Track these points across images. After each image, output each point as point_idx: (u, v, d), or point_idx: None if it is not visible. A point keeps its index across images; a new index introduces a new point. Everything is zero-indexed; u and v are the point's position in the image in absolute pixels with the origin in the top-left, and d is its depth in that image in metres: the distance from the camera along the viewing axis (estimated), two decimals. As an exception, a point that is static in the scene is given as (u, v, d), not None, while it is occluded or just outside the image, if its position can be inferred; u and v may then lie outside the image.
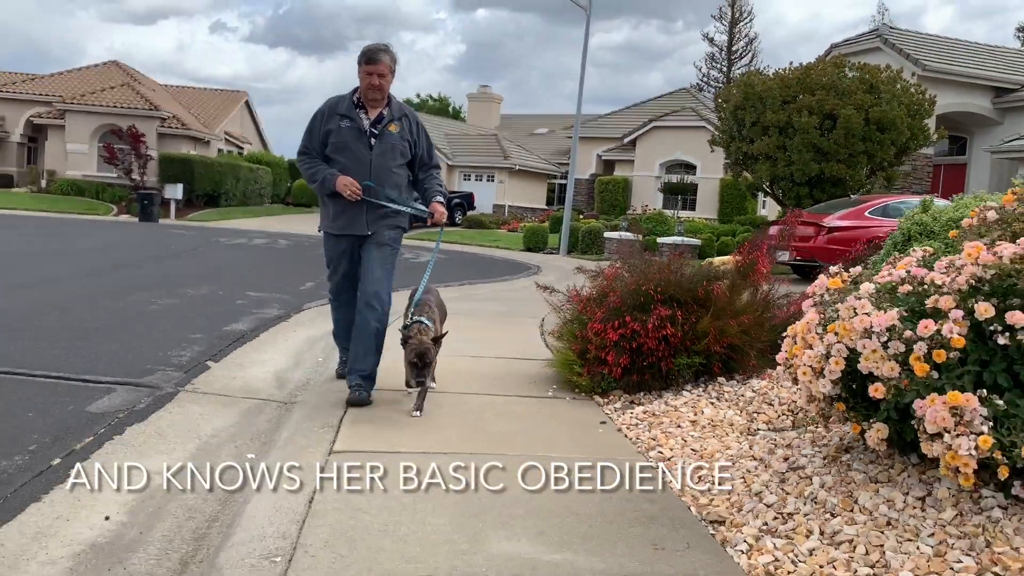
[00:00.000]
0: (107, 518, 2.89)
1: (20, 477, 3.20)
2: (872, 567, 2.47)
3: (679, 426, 4.12)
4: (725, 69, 54.35)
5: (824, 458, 3.22)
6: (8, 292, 8.19)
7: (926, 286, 2.78)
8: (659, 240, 20.59)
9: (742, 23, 54.87)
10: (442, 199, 4.69)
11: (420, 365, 4.20)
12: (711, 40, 55.62)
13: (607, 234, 23.86)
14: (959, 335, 2.56)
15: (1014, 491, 2.63)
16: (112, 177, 33.95)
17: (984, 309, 2.58)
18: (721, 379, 4.89)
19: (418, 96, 62.94)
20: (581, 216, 32.80)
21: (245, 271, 12.43)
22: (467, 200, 34.84)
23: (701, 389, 4.77)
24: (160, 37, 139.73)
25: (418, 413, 4.22)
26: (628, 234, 20.87)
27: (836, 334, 2.85)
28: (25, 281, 9.13)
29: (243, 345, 6.25)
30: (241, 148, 43.49)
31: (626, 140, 36.51)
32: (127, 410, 4.23)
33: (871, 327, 2.71)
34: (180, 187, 32.39)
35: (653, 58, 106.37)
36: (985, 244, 2.82)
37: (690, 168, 33.98)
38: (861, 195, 16.48)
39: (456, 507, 2.96)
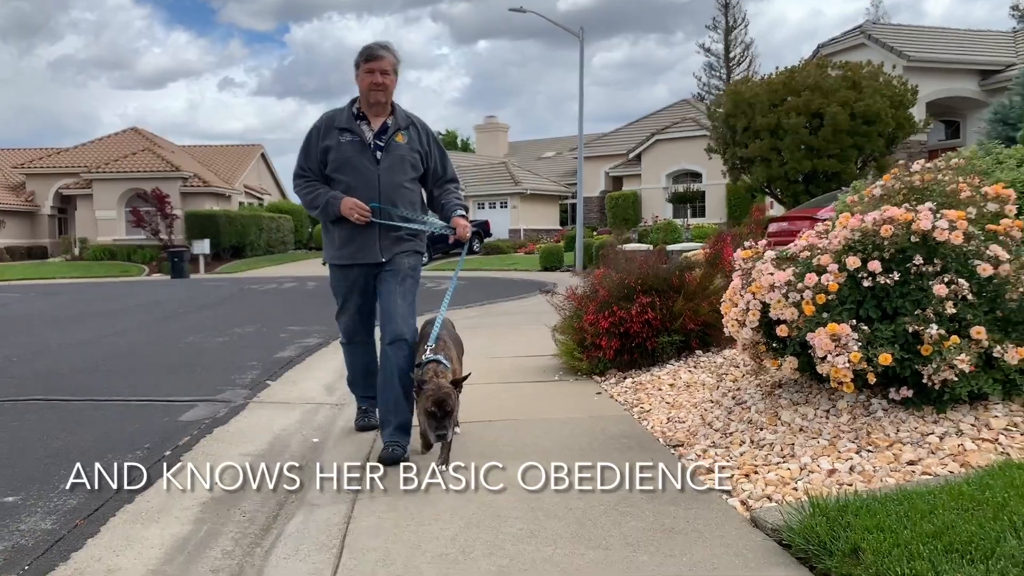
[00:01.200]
0: (212, 486, 3.83)
1: (147, 461, 4.16)
2: (783, 458, 3.37)
3: (659, 389, 5.03)
4: (724, 77, 55.19)
5: (762, 393, 4.12)
6: (86, 344, 9.27)
7: (817, 249, 3.69)
8: (669, 248, 21.48)
9: (737, 30, 55.75)
10: (463, 212, 4.16)
11: (439, 415, 3.46)
12: (708, 50, 56.57)
13: (619, 247, 24.80)
14: (834, 282, 3.46)
15: (891, 396, 3.52)
16: (141, 239, 35.42)
17: (852, 261, 3.49)
18: (699, 352, 5.78)
19: (426, 133, 64.46)
20: (595, 232, 33.78)
21: (282, 311, 13.47)
22: (483, 228, 35.90)
23: (682, 361, 5.67)
24: (171, 99, 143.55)
25: (444, 467, 3.51)
26: (640, 246, 21.82)
27: (752, 293, 3.76)
28: (97, 335, 10.22)
29: (293, 367, 7.22)
30: (261, 199, 44.98)
31: (631, 155, 37.52)
32: (211, 418, 5.20)
33: (774, 283, 3.62)
34: (207, 242, 33.81)
35: (656, 72, 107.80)
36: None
37: (696, 176, 34.85)
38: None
39: (472, 441, 3.87)
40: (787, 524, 2.59)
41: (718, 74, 55.83)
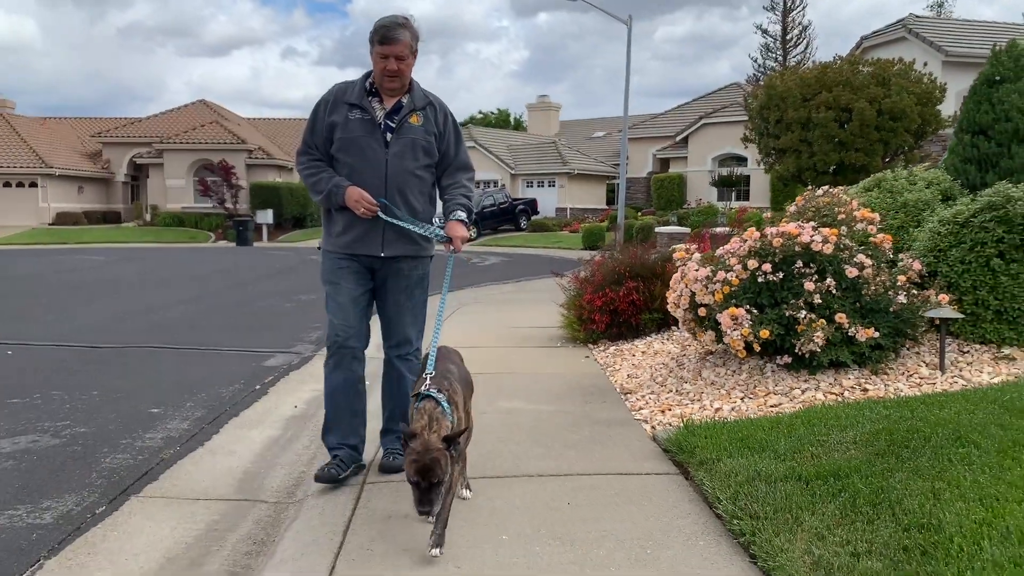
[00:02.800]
0: (295, 407, 5.37)
1: (241, 394, 5.72)
2: (692, 401, 4.76)
3: (633, 355, 6.42)
4: (780, 59, 55.14)
5: (697, 358, 5.50)
6: (180, 304, 11.01)
7: (730, 253, 5.04)
8: (715, 230, 22.63)
9: (795, 12, 55.57)
10: (464, 215, 3.60)
11: (424, 486, 2.70)
12: (765, 31, 56.46)
13: (658, 229, 25.96)
14: (736, 278, 4.82)
15: (779, 361, 4.87)
16: (208, 207, 37.62)
17: (752, 263, 4.83)
18: (674, 328, 7.13)
19: (480, 112, 65.71)
20: (640, 213, 34.91)
21: (339, 281, 15.13)
22: (531, 206, 37.28)
23: (658, 335, 7.04)
24: (235, 67, 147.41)
25: (437, 551, 2.81)
26: (678, 228, 23.01)
27: (685, 284, 5.14)
28: (186, 297, 11.99)
29: (349, 329, 8.78)
30: (321, 172, 46.90)
31: (679, 138, 38.36)
32: (287, 365, 6.76)
33: (697, 277, 4.99)
34: (270, 212, 35.86)
35: (718, 47, 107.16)
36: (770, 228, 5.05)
37: (741, 160, 35.58)
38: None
39: (480, 386, 5.32)
40: (668, 438, 4.00)
41: (775, 56, 55.91)
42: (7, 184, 38.07)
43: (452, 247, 3.54)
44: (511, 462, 3.87)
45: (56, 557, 3.04)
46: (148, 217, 39.81)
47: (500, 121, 61.81)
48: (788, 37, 55.31)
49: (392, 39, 3.46)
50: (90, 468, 4.07)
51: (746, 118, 27.95)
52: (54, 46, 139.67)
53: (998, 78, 6.51)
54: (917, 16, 26.62)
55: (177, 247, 30.10)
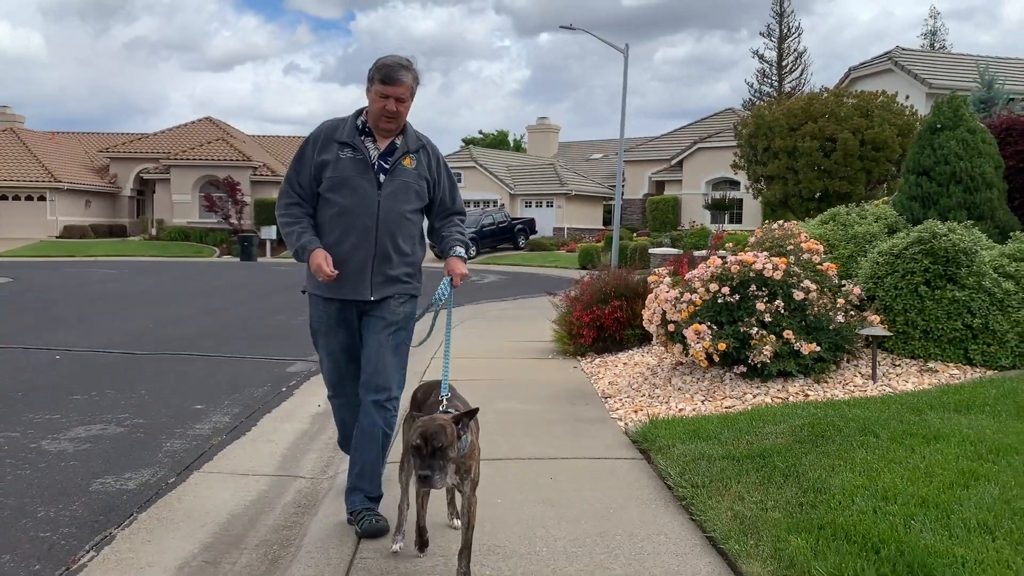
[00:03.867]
0: (319, 406, 6.18)
1: (270, 395, 6.53)
2: (661, 403, 5.58)
3: (615, 366, 7.24)
4: (776, 84, 56.34)
5: (669, 368, 6.33)
6: (201, 316, 11.84)
7: (695, 278, 5.88)
8: (695, 253, 23.52)
9: (790, 39, 56.72)
10: (463, 251, 3.59)
11: (426, 451, 2.75)
12: (761, 57, 57.62)
13: (652, 250, 26.86)
14: (699, 299, 5.65)
15: (736, 371, 5.70)
16: (213, 222, 38.49)
17: (714, 286, 5.67)
18: (654, 343, 7.96)
19: (481, 132, 66.78)
20: (635, 234, 35.80)
21: (345, 296, 15.97)
22: (529, 225, 38.19)
23: (639, 348, 7.86)
24: (237, 82, 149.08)
25: (422, 553, 3.12)
26: (671, 249, 23.90)
27: (658, 303, 5.97)
28: (206, 310, 12.82)
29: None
30: (323, 189, 47.85)
31: (674, 161, 39.33)
32: (307, 371, 7.56)
33: (667, 298, 5.83)
34: (274, 229, 36.60)
35: (718, 69, 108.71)
36: (728, 257, 5.90)
37: (734, 185, 36.45)
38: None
39: (480, 391, 6.14)
40: (636, 431, 4.82)
41: (770, 81, 57.08)
42: (16, 197, 38.94)
43: (453, 284, 3.49)
44: (506, 449, 4.68)
45: (145, 512, 3.85)
46: (154, 231, 40.65)
47: (498, 142, 62.80)
48: (784, 63, 56.43)
49: (395, 80, 3.39)
50: (155, 450, 4.88)
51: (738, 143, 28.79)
52: (59, 59, 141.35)
53: (939, 126, 7.39)
54: (903, 49, 27.66)
55: (183, 261, 30.92)
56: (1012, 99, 25.84)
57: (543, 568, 3.08)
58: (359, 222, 3.45)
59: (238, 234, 35.12)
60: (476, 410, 2.98)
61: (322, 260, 3.36)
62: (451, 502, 3.51)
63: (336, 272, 3.38)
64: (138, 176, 43.06)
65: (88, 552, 3.37)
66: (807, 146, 19.97)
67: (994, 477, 3.41)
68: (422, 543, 3.19)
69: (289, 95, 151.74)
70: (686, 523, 3.50)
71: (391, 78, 3.41)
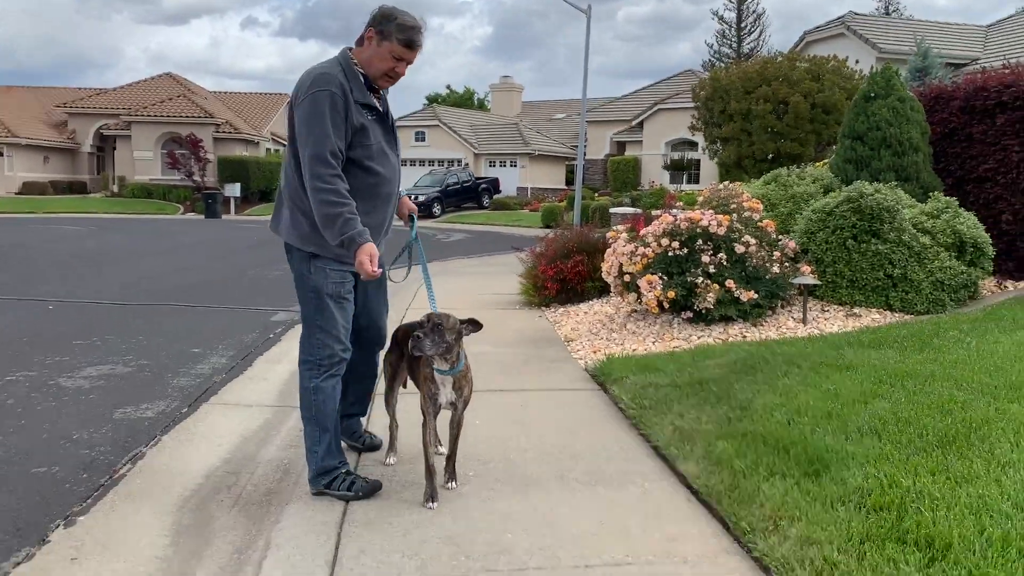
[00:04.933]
0: (306, 350, 6.71)
1: (260, 340, 7.06)
2: (617, 345, 6.24)
3: (577, 315, 7.89)
4: (735, 46, 56.94)
5: (624, 315, 6.99)
6: (176, 272, 12.22)
7: (648, 234, 6.51)
8: (653, 212, 24.26)
9: (749, 0, 57.28)
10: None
11: (428, 327, 3.18)
12: (721, 18, 58.04)
13: (612, 210, 27.55)
14: (652, 252, 6.29)
15: (683, 316, 6.37)
16: (176, 180, 38.25)
17: (666, 241, 6.31)
18: (612, 294, 8.62)
19: (448, 88, 66.53)
20: (596, 194, 36.44)
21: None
22: (493, 185, 38.61)
23: (599, 299, 8.51)
24: (194, 36, 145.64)
25: (432, 504, 3.30)
26: (629, 209, 24.60)
27: (615, 256, 6.60)
28: (183, 267, 13.20)
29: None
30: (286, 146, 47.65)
31: (635, 122, 39.89)
32: (291, 320, 8.09)
33: (624, 251, 6.46)
34: (238, 186, 36.67)
35: (681, 28, 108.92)
36: (679, 215, 6.53)
37: (692, 146, 37.17)
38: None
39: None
40: (594, 367, 5.47)
41: (729, 43, 57.69)
42: (-29, 153, 38.27)
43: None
44: (481, 383, 5.23)
45: (167, 435, 4.40)
46: (115, 188, 40.26)
47: (465, 100, 62.71)
48: (743, 24, 56.96)
49: (417, 45, 3.24)
50: (165, 386, 5.42)
51: (698, 105, 29.43)
52: (7, 11, 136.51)
53: (873, 95, 8.06)
54: (856, 14, 28.37)
55: (147, 218, 30.86)
56: (953, 65, 26.82)
57: (516, 470, 3.72)
58: (389, 190, 3.38)
59: (202, 191, 35.02)
60: (480, 325, 3.40)
61: (369, 257, 3.13)
62: (436, 433, 3.85)
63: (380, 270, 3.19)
64: (98, 132, 42.45)
65: (125, 464, 3.93)
66: (761, 109, 20.68)
67: (888, 396, 4.11)
68: (429, 495, 3.34)
69: (247, 49, 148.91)
70: (636, 437, 4.17)
71: (414, 43, 3.24)
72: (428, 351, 3.21)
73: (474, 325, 3.41)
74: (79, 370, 5.79)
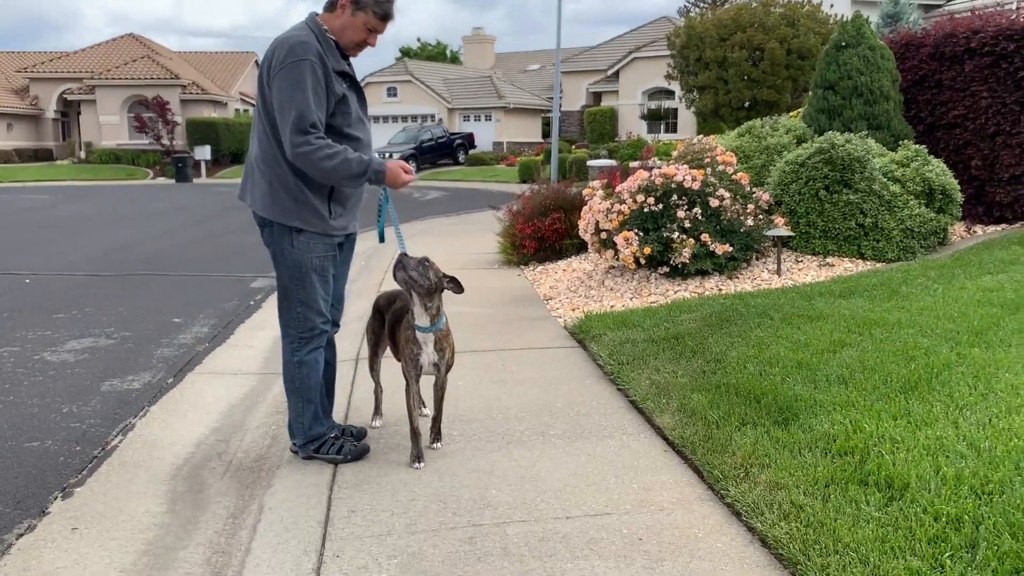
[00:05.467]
0: (288, 316, 6.78)
1: (240, 308, 7.11)
2: (595, 302, 6.35)
3: (555, 273, 7.99)
4: (710, -10, 56.40)
5: (602, 272, 7.09)
6: (154, 239, 12.16)
7: (624, 190, 6.59)
8: (632, 164, 24.27)
9: (723, -56, 56.51)
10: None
11: (414, 261, 3.34)
12: (694, -36, 57.35)
13: (589, 163, 27.50)
14: (627, 208, 6.37)
15: (660, 271, 6.49)
16: (144, 144, 37.63)
17: (641, 197, 6.39)
18: (590, 251, 8.71)
19: (418, 40, 65.50)
20: (573, 146, 36.33)
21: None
22: (468, 140, 38.38)
23: (577, 256, 8.61)
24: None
25: (419, 465, 3.43)
26: (607, 161, 24.61)
27: (592, 213, 6.68)
28: (156, 233, 13.11)
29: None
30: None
31: (611, 72, 39.60)
32: (270, 287, 8.12)
33: (600, 208, 6.54)
34: (208, 149, 36.15)
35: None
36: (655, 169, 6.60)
37: (669, 95, 37.02)
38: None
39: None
40: (573, 325, 5.58)
41: (704, -12, 57.17)
42: (-67, 121, 37.41)
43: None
44: (462, 344, 5.34)
45: (155, 406, 4.48)
46: (83, 154, 39.60)
47: (438, 53, 61.84)
48: (718, -30, 56.46)
49: (391, 17, 3.28)
50: (149, 357, 5.48)
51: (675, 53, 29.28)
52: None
53: (844, 44, 8.11)
54: (830, -44, 28.20)
55: (117, 184, 30.44)
56: (928, 7, 26.78)
57: (498, 428, 3.84)
58: (368, 155, 3.32)
59: (171, 155, 34.56)
60: (462, 288, 3.55)
61: (401, 168, 3.30)
62: (420, 396, 3.95)
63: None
64: (61, 97, 41.58)
65: (116, 436, 4.01)
66: (736, 56, 20.63)
67: (856, 344, 4.26)
68: (415, 456, 3.47)
69: (210, 5, 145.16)
70: (614, 392, 4.30)
71: (390, 15, 3.27)
72: (413, 272, 3.30)
73: (456, 284, 3.51)
74: (63, 344, 5.83)
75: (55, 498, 3.29)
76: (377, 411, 4.03)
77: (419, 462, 3.45)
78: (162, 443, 3.92)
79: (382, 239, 3.79)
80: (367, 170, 3.20)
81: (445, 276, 3.48)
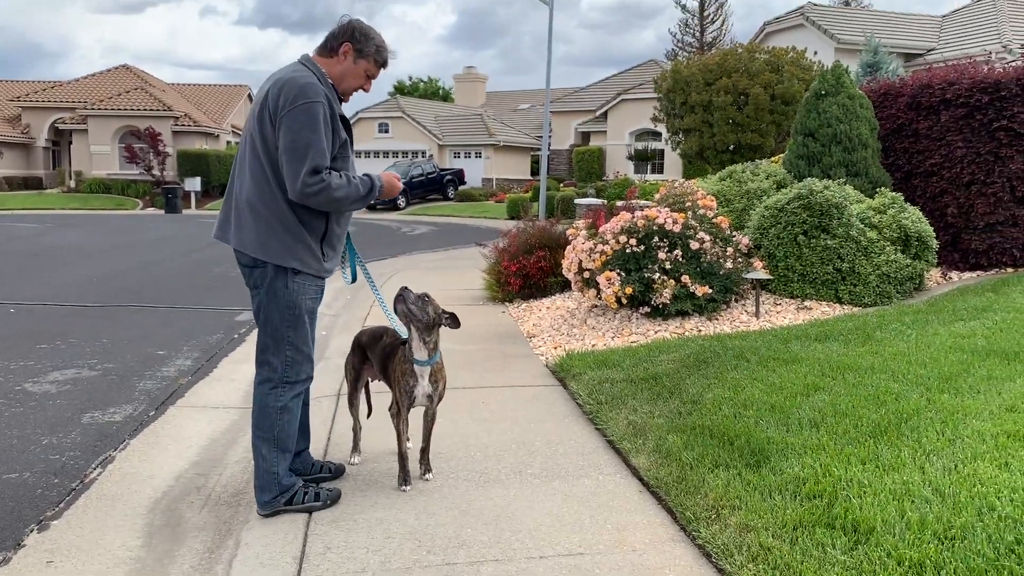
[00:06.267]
0: (272, 350, 6.81)
1: (224, 341, 7.13)
2: (577, 340, 6.42)
3: (539, 310, 8.06)
4: (698, 34, 57.47)
5: (585, 311, 7.17)
6: (141, 269, 12.17)
7: (607, 231, 6.70)
8: (617, 203, 24.53)
9: (711, -11, 57.75)
10: None
11: (414, 294, 3.47)
12: (683, 7, 58.46)
13: (577, 201, 27.78)
14: (610, 249, 6.48)
15: (641, 311, 6.57)
16: (135, 174, 37.74)
17: (623, 238, 6.50)
18: (573, 289, 8.80)
19: (410, 79, 66.18)
20: (562, 184, 36.66)
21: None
22: (458, 176, 38.66)
23: (561, 294, 8.69)
24: (150, 25, 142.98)
25: (406, 488, 3.58)
26: (594, 200, 24.88)
27: (575, 253, 6.78)
28: (145, 263, 13.13)
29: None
30: (247, 139, 47.15)
31: (599, 112, 40.15)
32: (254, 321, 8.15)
33: (584, 248, 6.64)
34: (198, 180, 36.29)
35: (646, 16, 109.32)
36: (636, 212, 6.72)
37: (656, 136, 37.53)
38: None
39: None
40: (554, 363, 5.64)
41: (692, 32, 58.18)
42: (-77, 148, 37.39)
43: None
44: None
45: (135, 439, 4.50)
46: (73, 183, 39.62)
47: (430, 91, 62.50)
48: (705, 13, 57.40)
49: (388, 65, 3.41)
50: (131, 389, 5.49)
51: (661, 95, 29.69)
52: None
53: (824, 92, 8.32)
54: (814, 4, 28.84)
55: (107, 214, 30.46)
56: (909, 55, 27.40)
57: (476, 466, 3.89)
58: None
59: (162, 186, 34.62)
60: (459, 323, 3.69)
61: (393, 176, 3.46)
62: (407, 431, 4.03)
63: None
64: (53, 126, 41.73)
65: (95, 469, 4.03)
66: (721, 100, 20.99)
67: (829, 388, 4.34)
68: (402, 478, 3.62)
69: (206, 39, 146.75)
70: (592, 431, 4.35)
71: (387, 63, 3.39)
72: (412, 305, 3.43)
73: (454, 320, 3.63)
74: (45, 374, 5.84)
75: (31, 531, 3.30)
76: (355, 448, 4.07)
77: (406, 485, 3.56)
78: (141, 476, 3.94)
79: (354, 279, 3.78)
80: (373, 187, 3.31)
81: (444, 312, 3.58)
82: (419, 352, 3.56)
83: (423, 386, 3.61)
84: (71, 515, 3.45)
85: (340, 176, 3.19)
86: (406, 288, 3.45)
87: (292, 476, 3.46)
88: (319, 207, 3.22)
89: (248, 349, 6.84)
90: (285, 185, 3.17)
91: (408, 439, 4.02)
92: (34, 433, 4.55)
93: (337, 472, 3.79)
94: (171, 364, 6.25)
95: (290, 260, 3.25)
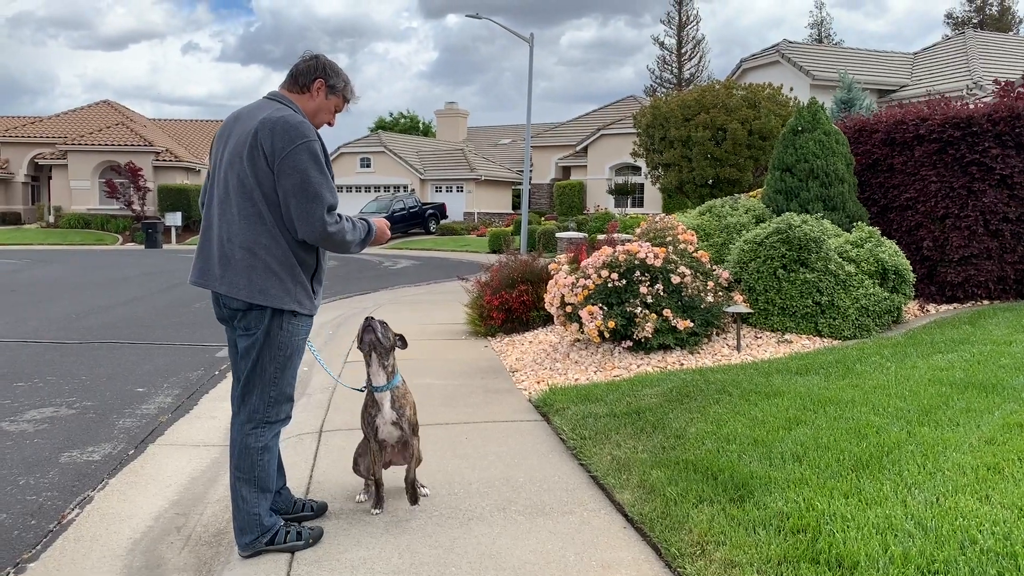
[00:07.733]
0: (253, 386, 6.77)
1: (205, 378, 7.07)
2: (560, 375, 6.43)
3: (522, 344, 8.07)
4: (676, 71, 58.39)
5: (568, 345, 7.19)
6: (122, 306, 12.06)
7: (588, 266, 6.74)
8: (598, 237, 24.68)
9: (689, 26, 58.79)
10: None
11: (378, 324, 3.59)
12: (661, 44, 59.49)
13: (558, 235, 27.94)
14: (592, 284, 6.52)
15: (624, 345, 6.60)
16: (115, 209, 37.59)
17: (604, 272, 6.54)
18: (556, 323, 8.82)
19: (391, 115, 66.59)
20: (543, 218, 36.87)
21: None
22: (439, 210, 38.80)
23: (544, 328, 8.71)
24: (132, 61, 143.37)
25: (377, 511, 3.71)
26: (576, 234, 25.02)
27: (557, 287, 6.81)
28: (125, 299, 13.02)
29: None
30: (229, 174, 47.12)
31: (579, 147, 40.58)
32: (236, 355, 8.10)
33: (566, 283, 6.67)
34: (179, 215, 36.17)
35: (624, 53, 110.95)
36: (618, 248, 6.78)
37: (636, 170, 37.93)
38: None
39: (401, 369, 6.85)
40: (537, 398, 5.64)
41: (670, 68, 59.12)
42: (-100, 183, 37.03)
43: None
44: (427, 417, 5.41)
45: (114, 478, 4.44)
46: (52, 219, 39.36)
47: (410, 127, 62.89)
48: (683, 50, 58.49)
49: (354, 100, 3.52)
50: (110, 428, 5.43)
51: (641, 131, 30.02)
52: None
53: (800, 128, 8.47)
54: (790, 42, 29.45)
55: (86, 249, 30.25)
56: (882, 91, 27.95)
57: (460, 504, 3.86)
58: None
59: (142, 221, 34.46)
60: (407, 343, 3.82)
61: (385, 224, 3.53)
62: (380, 454, 4.02)
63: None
64: (32, 161, 41.54)
65: (73, 509, 3.97)
66: (700, 135, 21.28)
67: (811, 422, 4.37)
68: (376, 500, 3.76)
69: (188, 75, 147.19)
70: (576, 467, 4.34)
71: (353, 99, 3.48)
72: (378, 332, 3.60)
73: (403, 341, 3.79)
74: (22, 413, 5.76)
75: (7, 573, 3.24)
76: (367, 489, 3.98)
77: (379, 507, 3.73)
78: (120, 516, 3.88)
79: None
80: (370, 231, 3.38)
81: (396, 334, 3.76)
82: (377, 377, 3.68)
83: (386, 413, 3.68)
84: (48, 557, 3.39)
85: (347, 220, 3.24)
86: (372, 318, 3.62)
87: (273, 516, 3.42)
88: (329, 247, 3.24)
89: (228, 386, 6.78)
90: (286, 227, 3.16)
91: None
92: (11, 473, 4.48)
93: (319, 510, 3.76)
94: (151, 401, 6.19)
95: (290, 303, 3.22)
